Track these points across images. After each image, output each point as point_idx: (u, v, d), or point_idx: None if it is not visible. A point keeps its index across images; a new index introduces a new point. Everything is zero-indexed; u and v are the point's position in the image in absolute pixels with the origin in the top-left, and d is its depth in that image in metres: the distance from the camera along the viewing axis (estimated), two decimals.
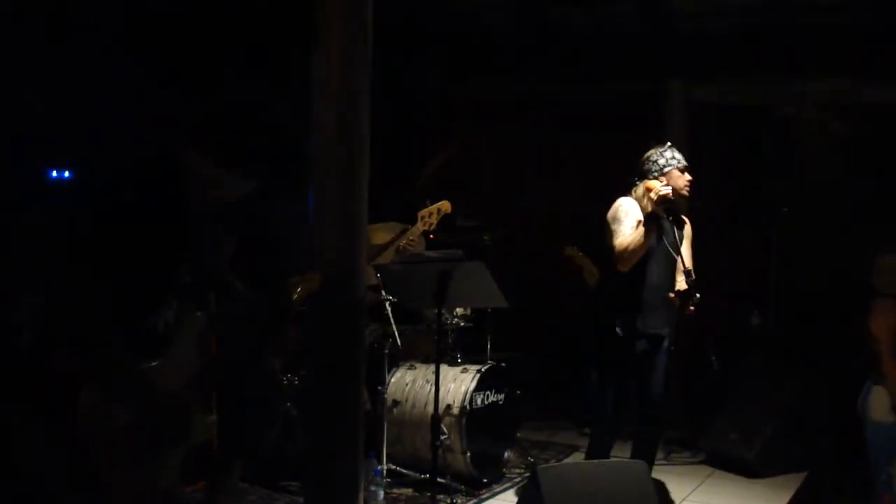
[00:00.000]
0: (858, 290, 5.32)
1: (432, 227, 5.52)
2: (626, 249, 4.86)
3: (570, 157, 7.10)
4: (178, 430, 3.21)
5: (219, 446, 4.10)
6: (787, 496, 5.90)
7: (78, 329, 2.88)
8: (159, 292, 3.15)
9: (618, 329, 4.96)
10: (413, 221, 5.56)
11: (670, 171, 5.07)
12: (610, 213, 5.02)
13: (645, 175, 5.08)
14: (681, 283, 5.10)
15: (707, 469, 6.53)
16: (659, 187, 4.89)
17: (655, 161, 5.09)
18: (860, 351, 5.16)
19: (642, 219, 4.93)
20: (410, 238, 5.60)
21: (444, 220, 5.70)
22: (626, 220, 4.94)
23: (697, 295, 4.95)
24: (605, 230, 5.03)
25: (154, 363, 3.16)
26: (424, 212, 5.50)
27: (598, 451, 5.09)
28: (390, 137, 5.19)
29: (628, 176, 5.18)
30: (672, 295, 5.02)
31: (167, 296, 3.23)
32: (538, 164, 8.56)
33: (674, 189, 4.99)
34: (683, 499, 5.82)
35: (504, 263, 6.11)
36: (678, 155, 5.13)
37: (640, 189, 5.06)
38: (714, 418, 6.85)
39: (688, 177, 5.12)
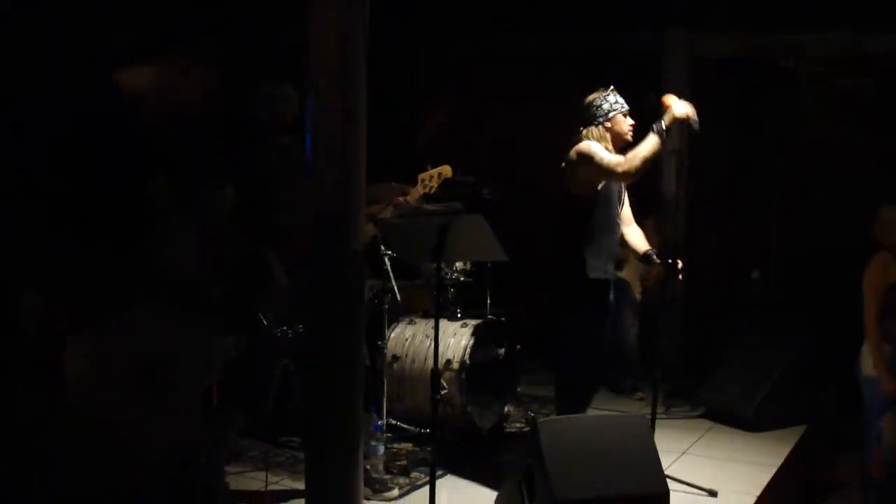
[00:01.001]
0: (859, 245, 5.32)
1: (433, 190, 5.49)
2: (645, 159, 4.70)
3: (570, 111, 7.00)
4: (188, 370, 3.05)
5: (217, 402, 4.08)
6: (787, 450, 5.92)
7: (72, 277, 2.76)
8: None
9: (592, 276, 4.86)
10: (413, 184, 5.53)
11: (615, 115, 4.94)
12: (582, 154, 4.85)
13: (589, 121, 4.96)
14: (634, 238, 5.14)
15: (707, 423, 6.55)
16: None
17: (599, 106, 4.95)
18: (859, 306, 5.18)
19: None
20: (409, 199, 5.56)
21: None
22: (602, 151, 4.82)
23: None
24: (574, 172, 4.90)
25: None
26: (425, 175, 5.47)
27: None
28: (386, 98, 5.12)
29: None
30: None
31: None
32: (537, 120, 8.48)
33: (618, 134, 4.94)
34: (683, 452, 5.84)
35: (504, 218, 6.08)
36: (621, 99, 4.99)
37: (592, 133, 4.93)
38: (713, 373, 6.87)
39: (631, 121, 5.00)
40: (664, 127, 4.76)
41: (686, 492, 5.03)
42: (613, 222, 4.99)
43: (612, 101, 4.97)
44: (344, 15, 3.96)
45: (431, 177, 5.45)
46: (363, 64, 4.01)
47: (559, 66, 8.34)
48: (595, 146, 4.84)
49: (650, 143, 4.72)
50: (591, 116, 4.96)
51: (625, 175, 4.80)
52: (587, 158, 4.81)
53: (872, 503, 5.16)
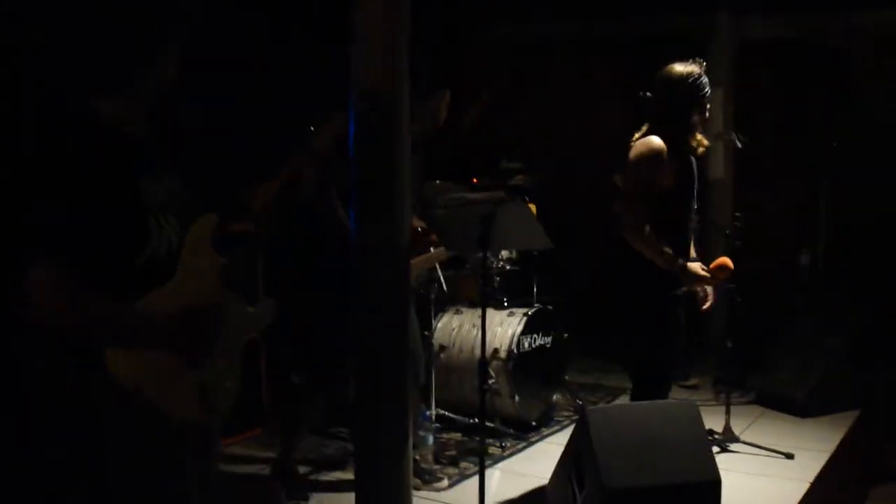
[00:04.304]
0: None
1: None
2: (641, 242, 4.18)
3: (614, 97, 6.99)
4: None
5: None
6: (839, 436, 5.84)
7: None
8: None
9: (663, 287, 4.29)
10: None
11: (707, 98, 4.32)
12: (650, 155, 4.20)
13: (694, 99, 4.25)
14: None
15: (758, 409, 6.49)
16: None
17: (703, 83, 4.26)
18: None
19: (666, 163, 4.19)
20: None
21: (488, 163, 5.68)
22: (653, 176, 4.21)
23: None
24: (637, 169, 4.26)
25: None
26: None
27: None
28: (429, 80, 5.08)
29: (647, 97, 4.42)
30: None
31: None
32: (581, 105, 8.42)
33: (705, 121, 4.37)
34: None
35: (548, 205, 6.06)
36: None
37: (697, 120, 4.28)
38: (764, 358, 6.81)
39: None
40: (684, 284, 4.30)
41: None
42: (685, 222, 4.42)
43: (706, 80, 4.28)
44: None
45: None
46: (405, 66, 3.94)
47: (603, 48, 8.28)
48: (664, 160, 4.21)
49: (661, 258, 4.18)
50: (695, 96, 4.25)
51: (626, 226, 4.23)
52: (658, 166, 4.21)
53: None
